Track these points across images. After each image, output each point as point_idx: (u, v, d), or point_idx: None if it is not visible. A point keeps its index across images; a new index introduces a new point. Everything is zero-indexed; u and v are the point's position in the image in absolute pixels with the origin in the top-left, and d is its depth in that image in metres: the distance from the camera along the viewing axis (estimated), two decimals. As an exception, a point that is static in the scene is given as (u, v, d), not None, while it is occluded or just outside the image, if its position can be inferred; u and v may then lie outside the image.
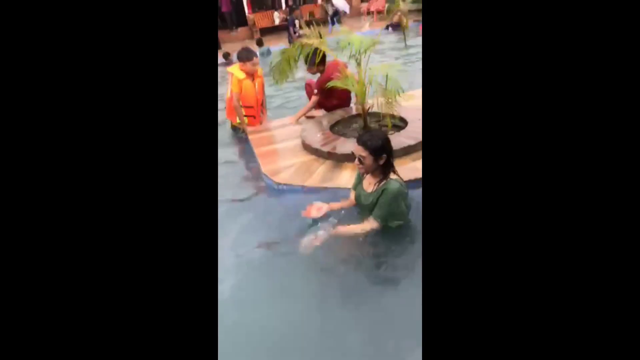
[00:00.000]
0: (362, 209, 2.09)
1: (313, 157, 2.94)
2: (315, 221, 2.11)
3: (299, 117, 3.70)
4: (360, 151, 1.90)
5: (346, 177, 2.57)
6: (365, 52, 2.80)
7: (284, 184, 2.63)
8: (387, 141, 1.94)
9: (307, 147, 3.05)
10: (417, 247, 1.95)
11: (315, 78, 3.78)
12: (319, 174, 2.68)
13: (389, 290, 1.81)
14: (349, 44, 2.80)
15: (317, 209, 2.12)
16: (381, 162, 1.92)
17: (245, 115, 3.67)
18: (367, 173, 1.99)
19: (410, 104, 3.27)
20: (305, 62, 3.36)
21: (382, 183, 1.95)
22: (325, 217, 2.12)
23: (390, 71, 2.62)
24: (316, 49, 3.13)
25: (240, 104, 3.61)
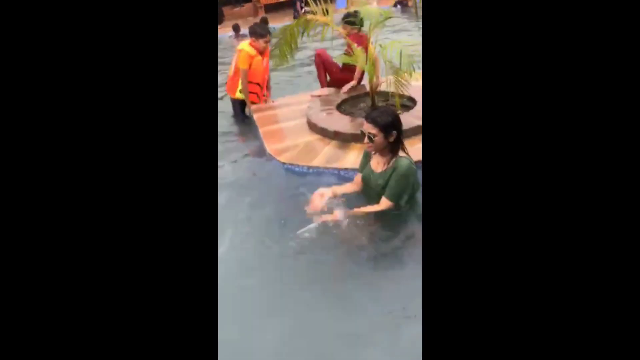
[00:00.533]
0: (370, 191, 2.03)
1: (319, 136, 2.88)
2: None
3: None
4: (370, 128, 1.84)
5: (353, 157, 2.51)
6: (379, 25, 2.69)
7: (290, 164, 2.58)
8: (397, 118, 1.88)
9: (312, 127, 2.98)
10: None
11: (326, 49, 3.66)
12: (324, 154, 2.63)
13: (389, 277, 1.78)
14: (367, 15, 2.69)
15: (320, 195, 2.00)
16: (391, 139, 1.86)
17: (250, 92, 3.59)
18: (377, 152, 1.94)
19: (420, 83, 3.17)
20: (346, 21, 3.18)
21: (392, 162, 1.89)
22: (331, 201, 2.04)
23: (403, 48, 2.52)
24: (355, 11, 3.00)
25: (247, 80, 3.52)
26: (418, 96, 3.05)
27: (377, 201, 1.95)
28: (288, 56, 3.14)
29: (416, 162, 1.94)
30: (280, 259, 1.87)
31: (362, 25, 3.01)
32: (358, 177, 2.13)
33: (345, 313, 1.59)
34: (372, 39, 2.83)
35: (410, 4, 8.66)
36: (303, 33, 3.04)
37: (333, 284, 1.77)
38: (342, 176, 2.41)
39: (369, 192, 2.05)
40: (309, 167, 2.52)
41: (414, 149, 2.44)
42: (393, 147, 1.90)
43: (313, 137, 2.89)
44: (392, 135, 1.85)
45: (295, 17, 9.23)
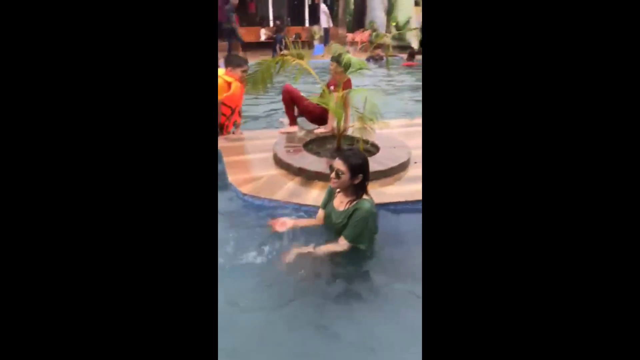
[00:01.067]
0: (330, 228, 2.06)
1: (283, 171, 2.91)
2: (279, 235, 2.05)
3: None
4: (339, 165, 1.91)
5: (315, 195, 2.54)
6: (355, 74, 2.85)
7: (251, 195, 2.57)
8: (366, 163, 1.98)
9: (278, 161, 3.01)
10: (382, 269, 1.96)
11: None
12: (287, 189, 2.64)
13: (350, 312, 1.76)
14: (349, 60, 2.85)
15: (281, 223, 2.07)
16: (356, 181, 1.92)
17: (222, 113, 3.54)
18: (340, 189, 1.99)
19: (384, 131, 3.34)
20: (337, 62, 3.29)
21: (354, 202, 1.94)
22: (290, 232, 2.07)
23: (371, 96, 2.67)
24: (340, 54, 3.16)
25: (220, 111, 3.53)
26: (381, 143, 3.20)
27: (337, 238, 1.97)
28: (261, 87, 3.22)
29: (377, 204, 2.00)
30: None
31: (347, 68, 3.17)
32: (320, 213, 2.16)
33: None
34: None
35: (384, 57, 9.27)
36: (279, 70, 3.16)
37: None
38: (303, 212, 2.42)
39: (329, 229, 2.08)
40: (270, 200, 2.51)
41: (375, 193, 2.52)
42: (357, 189, 1.96)
43: (277, 172, 2.92)
44: (357, 178, 1.92)
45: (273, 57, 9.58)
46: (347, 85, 3.27)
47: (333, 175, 1.93)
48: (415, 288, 1.79)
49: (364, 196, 1.97)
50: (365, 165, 1.95)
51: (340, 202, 2.02)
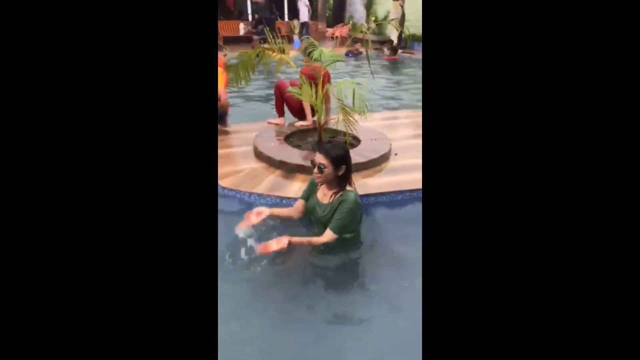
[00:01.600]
0: (314, 221, 2.04)
1: (264, 164, 2.87)
2: (257, 229, 1.99)
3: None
4: (321, 159, 1.89)
5: (296, 187, 2.52)
6: (330, 66, 2.83)
7: (230, 189, 2.52)
8: (348, 153, 1.96)
9: (258, 155, 2.97)
10: (366, 259, 1.97)
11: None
12: (268, 181, 2.61)
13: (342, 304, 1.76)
14: (320, 54, 2.82)
15: (257, 213, 1.96)
16: (340, 172, 1.91)
17: None
18: (324, 183, 1.97)
19: (365, 124, 3.34)
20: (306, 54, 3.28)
21: (339, 195, 1.93)
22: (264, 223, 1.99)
23: (356, 88, 2.66)
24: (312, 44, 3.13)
25: None
26: (362, 136, 3.20)
27: (321, 231, 1.96)
28: (242, 78, 3.17)
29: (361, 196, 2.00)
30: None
31: (312, 59, 3.15)
32: (299, 203, 2.14)
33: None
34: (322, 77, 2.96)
35: (362, 52, 9.29)
36: (259, 61, 3.11)
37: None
38: (284, 205, 2.40)
39: (314, 222, 2.06)
40: (250, 194, 2.48)
41: (357, 185, 2.52)
42: (341, 180, 1.95)
43: (258, 165, 2.88)
44: (341, 169, 1.91)
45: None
46: (326, 78, 3.25)
47: (316, 170, 1.91)
48: (405, 273, 1.81)
49: (348, 187, 1.96)
50: (346, 156, 1.94)
51: (324, 195, 2.01)
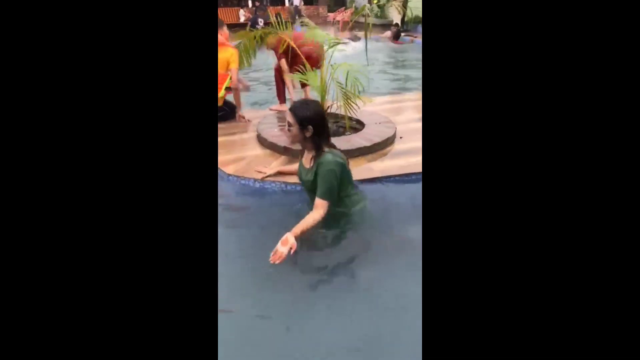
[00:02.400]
0: (304, 186, 2.04)
1: (268, 151, 2.86)
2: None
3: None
4: (289, 117, 1.86)
5: (300, 173, 2.51)
6: (330, 49, 2.79)
7: (235, 176, 2.52)
8: (318, 114, 1.86)
9: (262, 141, 2.96)
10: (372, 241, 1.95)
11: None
12: (272, 168, 2.60)
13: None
14: (314, 35, 2.78)
15: (284, 242, 1.72)
16: (307, 134, 1.84)
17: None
18: (294, 142, 1.96)
19: (369, 108, 3.31)
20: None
21: (317, 158, 1.88)
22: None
23: (353, 71, 2.62)
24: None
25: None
26: (366, 120, 3.17)
27: (311, 197, 1.93)
28: (245, 61, 3.15)
29: (361, 180, 1.98)
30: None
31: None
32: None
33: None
34: (325, 62, 2.91)
35: (360, 37, 9.15)
36: (260, 42, 3.08)
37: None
38: (288, 190, 2.40)
39: (304, 187, 2.05)
40: (255, 180, 2.48)
41: (361, 169, 2.52)
42: (314, 142, 1.86)
43: (263, 152, 2.87)
44: (308, 130, 1.82)
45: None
46: (313, 53, 3.16)
47: (286, 127, 1.90)
48: (412, 257, 1.81)
49: (325, 149, 1.88)
50: (316, 117, 1.83)
51: (306, 159, 1.98)
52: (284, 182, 2.43)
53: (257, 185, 2.46)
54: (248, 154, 2.82)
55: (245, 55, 3.10)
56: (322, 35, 2.84)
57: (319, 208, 1.84)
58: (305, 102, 1.96)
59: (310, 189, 1.95)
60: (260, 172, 2.47)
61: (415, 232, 1.91)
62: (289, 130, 1.88)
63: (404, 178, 2.50)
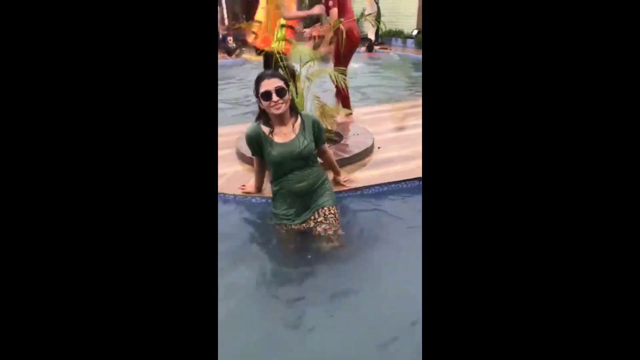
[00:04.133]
0: (293, 161, 1.88)
1: (248, 166, 2.85)
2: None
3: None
4: (277, 83, 1.73)
5: (281, 187, 2.50)
6: (307, 63, 2.82)
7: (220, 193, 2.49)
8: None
9: (241, 157, 2.95)
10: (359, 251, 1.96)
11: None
12: (252, 184, 2.59)
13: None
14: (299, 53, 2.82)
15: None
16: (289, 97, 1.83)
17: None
18: (286, 110, 1.81)
19: (347, 119, 3.35)
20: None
21: (298, 117, 1.89)
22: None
23: (333, 72, 2.68)
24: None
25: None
26: (344, 132, 3.21)
27: (303, 164, 1.89)
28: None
29: (342, 191, 1.98)
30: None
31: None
32: (258, 165, 2.16)
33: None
34: (301, 75, 2.94)
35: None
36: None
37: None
38: (270, 204, 2.38)
39: (291, 164, 1.89)
40: (235, 196, 2.45)
41: (342, 179, 2.54)
42: (292, 104, 1.85)
43: (242, 167, 2.86)
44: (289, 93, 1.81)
45: (228, 54, 9.32)
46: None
47: (276, 97, 1.72)
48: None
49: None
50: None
51: (285, 134, 1.84)
52: (264, 197, 2.42)
53: (237, 199, 2.44)
54: (227, 170, 2.80)
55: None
56: (307, 50, 2.88)
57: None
58: (271, 70, 2.01)
59: (306, 155, 1.88)
60: (243, 187, 2.45)
61: (403, 239, 1.95)
62: (282, 96, 1.75)
63: (383, 188, 2.53)
